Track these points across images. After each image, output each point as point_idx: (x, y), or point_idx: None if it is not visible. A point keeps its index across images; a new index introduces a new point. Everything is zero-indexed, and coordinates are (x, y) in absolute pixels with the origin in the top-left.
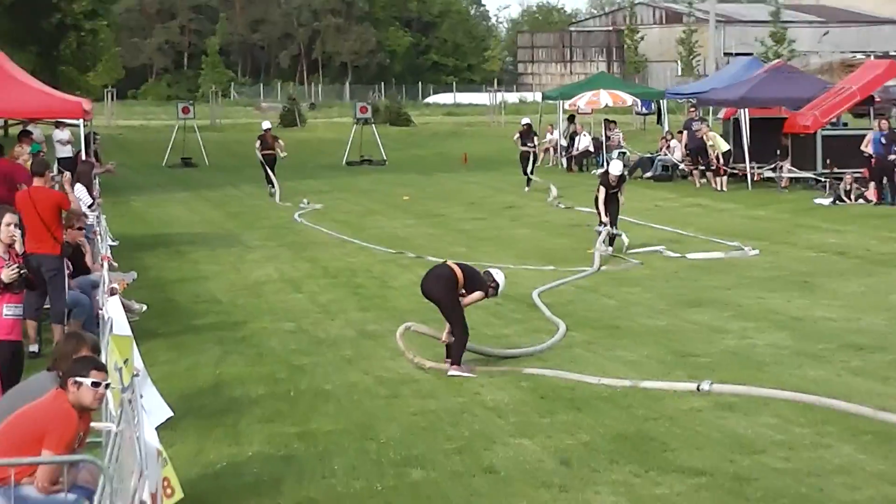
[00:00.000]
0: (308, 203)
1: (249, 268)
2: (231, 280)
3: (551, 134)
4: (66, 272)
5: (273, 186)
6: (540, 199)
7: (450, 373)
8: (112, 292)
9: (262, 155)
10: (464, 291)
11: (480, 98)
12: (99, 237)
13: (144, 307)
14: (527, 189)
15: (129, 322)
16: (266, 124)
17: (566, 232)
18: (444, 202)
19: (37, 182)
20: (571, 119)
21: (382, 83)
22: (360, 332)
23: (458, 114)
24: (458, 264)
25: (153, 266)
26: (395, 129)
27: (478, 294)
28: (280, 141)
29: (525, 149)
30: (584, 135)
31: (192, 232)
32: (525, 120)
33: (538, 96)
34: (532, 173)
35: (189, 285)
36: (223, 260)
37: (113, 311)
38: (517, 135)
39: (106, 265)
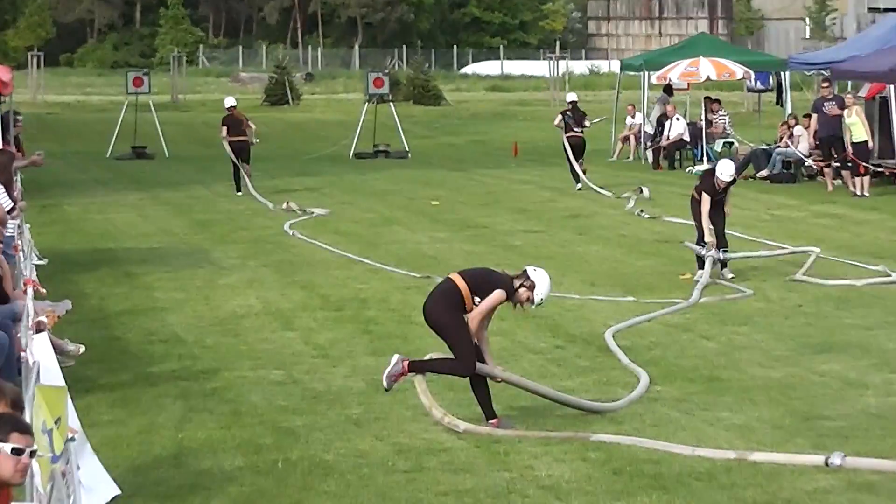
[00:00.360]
0: (296, 208)
1: (223, 296)
2: (198, 312)
3: (632, 117)
4: None
5: (240, 189)
6: (615, 204)
7: (497, 433)
8: (39, 328)
9: (231, 143)
10: (476, 304)
11: (537, 67)
12: (21, 254)
13: (82, 348)
14: (578, 187)
15: (62, 368)
16: (230, 101)
17: (651, 250)
18: (487, 208)
19: None
20: (668, 92)
21: (404, 46)
22: (371, 383)
23: (507, 89)
24: (462, 272)
25: (93, 293)
26: (422, 109)
27: (495, 296)
28: (251, 124)
29: (572, 135)
30: (678, 118)
31: (145, 247)
32: (571, 96)
33: (615, 65)
34: (581, 168)
35: (141, 319)
36: (187, 285)
37: (40, 353)
38: (559, 117)
39: (30, 292)
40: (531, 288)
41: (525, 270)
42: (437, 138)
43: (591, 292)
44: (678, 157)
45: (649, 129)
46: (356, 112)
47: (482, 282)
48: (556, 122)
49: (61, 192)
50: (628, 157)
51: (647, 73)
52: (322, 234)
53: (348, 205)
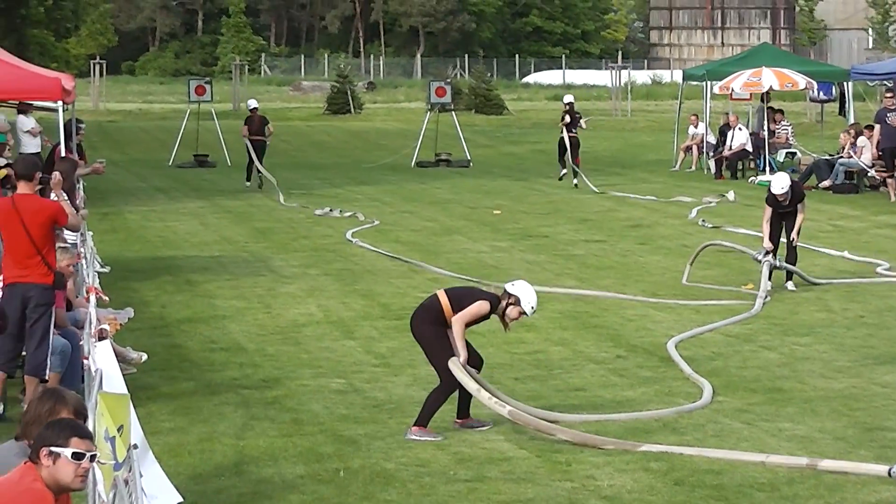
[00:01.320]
0: (339, 212)
1: (284, 304)
2: (259, 321)
3: (695, 127)
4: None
5: (249, 180)
6: (677, 213)
7: (409, 436)
8: (101, 336)
9: (251, 141)
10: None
11: (599, 77)
12: (84, 261)
13: (144, 356)
14: (575, 182)
15: (124, 376)
16: (253, 103)
17: (713, 260)
18: (549, 218)
19: (23, 188)
20: (769, 108)
21: (466, 56)
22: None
23: None
24: (448, 289)
25: (155, 301)
26: (483, 119)
27: (477, 305)
28: (270, 126)
29: (572, 135)
30: (740, 128)
31: (206, 255)
32: (568, 98)
33: (677, 75)
34: (575, 166)
35: (202, 327)
36: (248, 293)
37: (103, 361)
38: (568, 118)
39: (93, 299)
40: (517, 302)
41: (504, 290)
42: (499, 147)
43: (652, 303)
44: (740, 167)
45: (712, 139)
46: (418, 121)
47: (464, 298)
48: (564, 121)
49: (122, 200)
50: (690, 167)
51: (709, 82)
52: (383, 243)
53: (409, 214)
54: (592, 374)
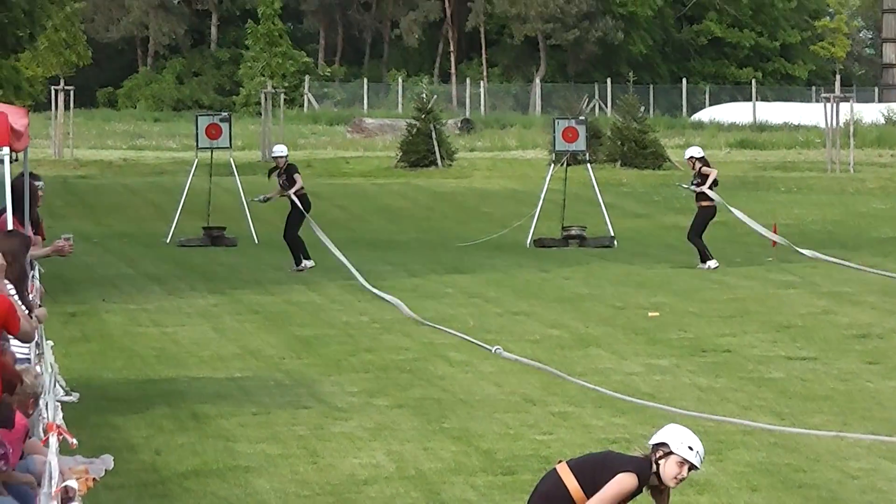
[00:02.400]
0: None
1: (337, 451)
2: (299, 476)
3: None
4: None
5: (301, 261)
6: None
7: None
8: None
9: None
10: None
11: (806, 112)
12: (40, 387)
13: None
14: (703, 266)
15: None
16: (280, 149)
17: None
18: (732, 323)
19: None
20: None
21: (608, 80)
22: None
23: (761, 145)
24: (572, 462)
25: (145, 444)
26: (634, 175)
27: (618, 480)
28: (297, 175)
29: (706, 204)
30: None
31: (222, 376)
32: (693, 151)
33: None
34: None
35: (216, 484)
36: (284, 434)
37: None
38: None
39: (54, 442)
40: (669, 453)
41: (650, 445)
42: (657, 218)
43: (885, 449)
44: None
45: None
46: (537, 178)
47: (598, 472)
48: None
49: (98, 293)
50: None
51: None
52: (486, 360)
53: (524, 316)
54: None
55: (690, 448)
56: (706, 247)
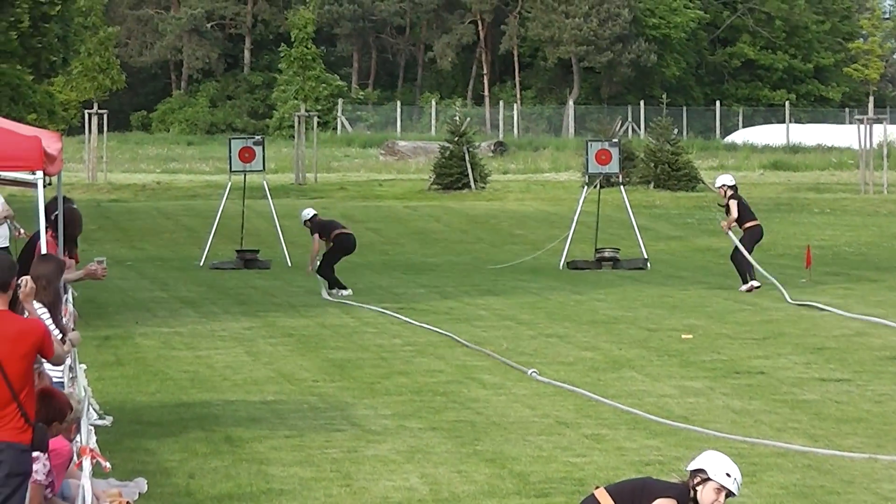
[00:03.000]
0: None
1: (371, 474)
2: (333, 499)
3: None
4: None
5: (336, 287)
6: None
7: None
8: None
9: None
10: None
11: (840, 135)
12: (82, 412)
13: None
14: (744, 287)
15: None
16: (309, 212)
17: None
18: (766, 346)
19: None
20: None
21: (642, 102)
22: None
23: (795, 167)
24: (611, 487)
25: (179, 468)
26: (668, 197)
27: None
28: (318, 237)
29: (749, 225)
30: None
31: (255, 400)
32: (725, 179)
33: None
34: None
35: None
36: (318, 458)
37: None
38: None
39: (87, 466)
40: (706, 480)
41: (688, 470)
42: (691, 240)
43: None
44: None
45: None
46: (570, 200)
47: (638, 496)
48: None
49: (132, 317)
50: None
51: None
52: (519, 383)
53: (558, 339)
54: None
55: (728, 475)
56: (752, 266)
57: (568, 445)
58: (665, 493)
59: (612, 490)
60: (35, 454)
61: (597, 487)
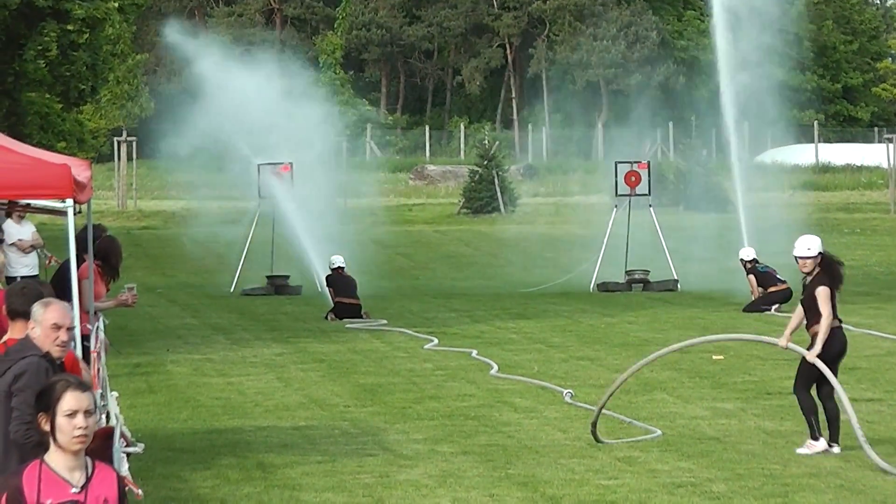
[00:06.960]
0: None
1: (402, 499)
2: None
3: None
4: None
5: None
6: None
7: None
8: None
9: (340, 304)
10: None
11: (869, 154)
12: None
13: None
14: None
15: None
16: (338, 260)
17: None
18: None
19: (16, 331)
20: None
21: (670, 124)
22: None
23: (825, 186)
24: None
25: (211, 495)
26: (698, 218)
27: None
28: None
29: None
30: None
31: (287, 426)
32: (742, 254)
33: None
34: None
35: None
36: (350, 483)
37: None
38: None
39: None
40: None
41: None
42: (722, 262)
43: None
44: None
45: None
46: (600, 223)
47: None
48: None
49: (163, 344)
50: None
51: None
52: (550, 405)
53: (588, 361)
54: None
55: None
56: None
57: (600, 468)
58: None
59: None
60: None
61: None
